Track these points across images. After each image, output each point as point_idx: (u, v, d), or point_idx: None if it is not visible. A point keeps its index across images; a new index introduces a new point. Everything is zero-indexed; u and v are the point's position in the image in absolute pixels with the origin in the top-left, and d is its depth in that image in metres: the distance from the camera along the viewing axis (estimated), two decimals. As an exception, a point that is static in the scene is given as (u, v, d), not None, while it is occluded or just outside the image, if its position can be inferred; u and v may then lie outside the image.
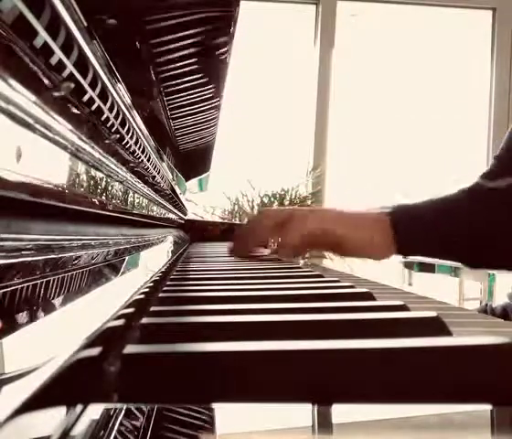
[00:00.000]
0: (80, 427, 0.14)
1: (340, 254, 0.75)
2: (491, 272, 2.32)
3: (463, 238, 0.66)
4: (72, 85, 0.29)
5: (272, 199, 2.60)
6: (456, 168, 2.85)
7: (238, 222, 2.31)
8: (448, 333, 0.23)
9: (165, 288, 0.38)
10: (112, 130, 0.40)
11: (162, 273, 0.45)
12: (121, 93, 0.39)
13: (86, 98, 0.32)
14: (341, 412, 0.17)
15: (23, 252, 0.26)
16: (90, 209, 0.38)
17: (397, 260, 2.79)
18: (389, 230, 0.66)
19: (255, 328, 0.23)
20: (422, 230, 0.67)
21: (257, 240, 0.76)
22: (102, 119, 0.37)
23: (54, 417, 0.13)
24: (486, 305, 1.04)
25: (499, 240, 0.66)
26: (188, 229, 1.48)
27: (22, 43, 0.21)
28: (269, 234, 0.76)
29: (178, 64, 0.58)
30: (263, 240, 0.77)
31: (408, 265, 2.74)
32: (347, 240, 0.67)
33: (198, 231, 1.47)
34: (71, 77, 0.28)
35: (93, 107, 0.34)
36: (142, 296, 0.30)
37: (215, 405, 0.17)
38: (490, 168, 1.01)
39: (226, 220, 2.52)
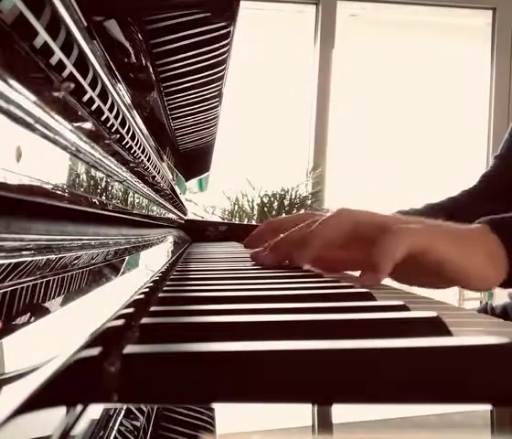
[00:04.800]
0: (80, 427, 0.14)
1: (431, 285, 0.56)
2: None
3: None
4: (72, 85, 0.29)
5: (272, 199, 2.60)
6: (456, 168, 2.85)
7: (241, 223, 2.31)
8: (448, 333, 0.23)
9: (165, 288, 0.38)
10: (112, 130, 0.40)
11: (162, 273, 0.45)
12: (121, 93, 0.39)
13: (86, 98, 0.32)
14: (341, 412, 0.17)
15: (23, 252, 0.26)
16: (90, 209, 0.38)
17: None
18: (498, 247, 0.48)
19: (255, 328, 0.23)
20: None
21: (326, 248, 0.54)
22: (102, 119, 0.37)
23: (54, 417, 0.13)
24: (487, 304, 1.04)
25: None
26: (188, 229, 1.48)
27: (22, 43, 0.21)
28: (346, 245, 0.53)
29: (178, 64, 0.58)
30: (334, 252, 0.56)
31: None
32: (461, 272, 0.48)
33: (198, 231, 1.47)
34: (71, 77, 0.28)
35: (93, 107, 0.34)
36: (142, 296, 0.30)
37: (215, 405, 0.17)
38: (491, 168, 1.01)
39: (226, 220, 2.52)
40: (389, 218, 0.53)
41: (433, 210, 0.88)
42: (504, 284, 0.50)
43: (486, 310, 0.99)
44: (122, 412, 0.16)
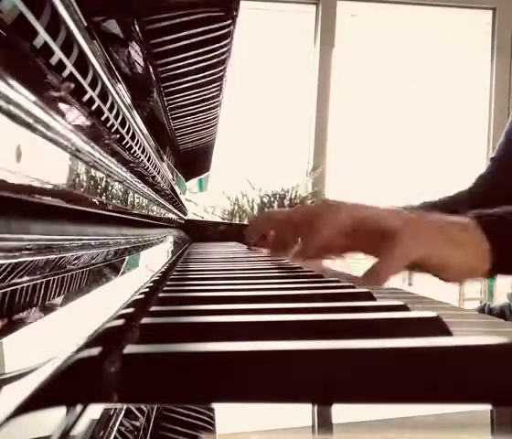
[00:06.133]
0: (80, 427, 0.14)
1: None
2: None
3: None
4: (72, 85, 0.29)
5: (272, 199, 2.60)
6: (456, 168, 2.85)
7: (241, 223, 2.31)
8: (448, 333, 0.23)
9: (165, 288, 0.38)
10: (112, 130, 0.40)
11: (162, 273, 0.45)
12: (121, 93, 0.39)
13: (86, 98, 0.32)
14: (341, 412, 0.17)
15: (23, 252, 0.26)
16: (90, 209, 0.38)
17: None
18: (484, 242, 0.52)
19: (255, 328, 0.23)
20: None
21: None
22: (102, 119, 0.37)
23: (54, 417, 0.13)
24: (485, 305, 1.04)
25: None
26: (188, 229, 1.48)
27: (22, 43, 0.21)
28: (292, 234, 0.67)
29: (178, 64, 0.58)
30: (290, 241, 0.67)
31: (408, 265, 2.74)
32: (448, 263, 0.52)
33: (198, 231, 1.47)
34: (71, 77, 0.28)
35: (93, 107, 0.34)
36: (142, 296, 0.30)
37: (215, 405, 0.17)
38: (486, 169, 1.02)
39: (226, 220, 2.52)
40: (391, 212, 0.56)
41: (430, 209, 0.90)
42: (487, 274, 0.54)
43: (484, 311, 0.99)
44: (122, 412, 0.16)
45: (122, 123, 0.42)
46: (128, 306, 0.26)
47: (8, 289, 0.21)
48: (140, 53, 0.49)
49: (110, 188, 0.44)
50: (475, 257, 0.52)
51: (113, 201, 0.46)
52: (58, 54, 0.25)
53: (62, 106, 0.28)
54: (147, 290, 0.33)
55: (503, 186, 0.95)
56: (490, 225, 0.53)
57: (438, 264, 0.51)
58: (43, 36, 0.23)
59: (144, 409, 0.17)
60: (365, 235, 0.55)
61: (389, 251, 0.50)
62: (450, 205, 0.94)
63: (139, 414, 0.17)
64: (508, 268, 0.54)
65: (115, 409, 0.16)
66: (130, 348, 0.19)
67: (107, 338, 0.20)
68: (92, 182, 0.37)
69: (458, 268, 0.52)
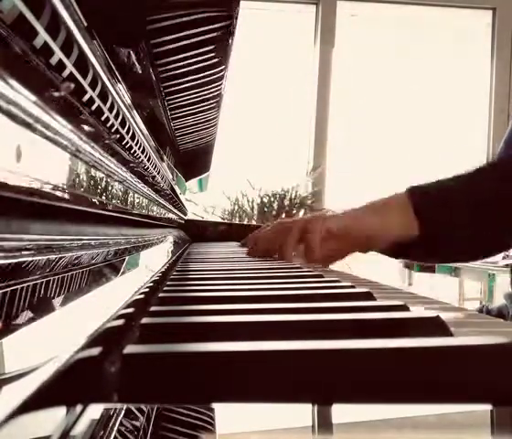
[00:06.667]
0: (80, 427, 0.14)
1: (365, 249, 0.72)
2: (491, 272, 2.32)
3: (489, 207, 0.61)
4: (72, 85, 0.29)
5: (272, 199, 2.60)
6: (456, 168, 2.85)
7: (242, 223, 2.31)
8: (448, 333, 0.23)
9: (165, 288, 0.38)
10: (112, 130, 0.40)
11: (162, 273, 0.45)
12: (121, 93, 0.39)
13: (86, 98, 0.32)
14: (341, 412, 0.17)
15: (23, 252, 0.26)
16: (90, 209, 0.38)
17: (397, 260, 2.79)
18: (409, 207, 0.63)
19: (255, 328, 0.23)
20: (444, 199, 0.63)
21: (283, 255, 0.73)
22: (102, 119, 0.37)
23: (54, 417, 0.13)
24: (483, 306, 1.05)
25: None
26: (188, 229, 1.48)
27: (22, 43, 0.21)
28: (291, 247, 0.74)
29: (178, 64, 0.58)
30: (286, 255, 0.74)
31: (408, 265, 2.75)
32: (370, 230, 0.64)
33: (198, 231, 1.47)
34: (71, 77, 0.28)
35: (93, 107, 0.34)
36: (142, 296, 0.30)
37: (215, 405, 0.17)
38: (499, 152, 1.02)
39: (226, 220, 2.52)
40: (312, 216, 0.78)
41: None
42: (418, 243, 0.63)
43: (482, 312, 0.99)
44: (122, 412, 0.16)
45: (122, 123, 0.42)
46: (128, 306, 0.26)
47: (8, 289, 0.21)
48: (140, 53, 0.49)
49: (110, 188, 0.44)
50: (399, 224, 0.62)
51: (113, 201, 0.46)
52: (58, 54, 0.25)
53: (62, 106, 0.28)
54: (147, 290, 0.33)
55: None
56: (416, 194, 0.63)
57: (358, 231, 0.63)
58: (43, 36, 0.23)
59: (144, 409, 0.17)
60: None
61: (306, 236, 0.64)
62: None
63: (139, 414, 0.17)
64: (433, 225, 0.62)
65: (115, 409, 0.16)
66: (130, 348, 0.19)
67: (107, 338, 0.20)
68: (92, 182, 0.37)
69: (379, 233, 0.63)
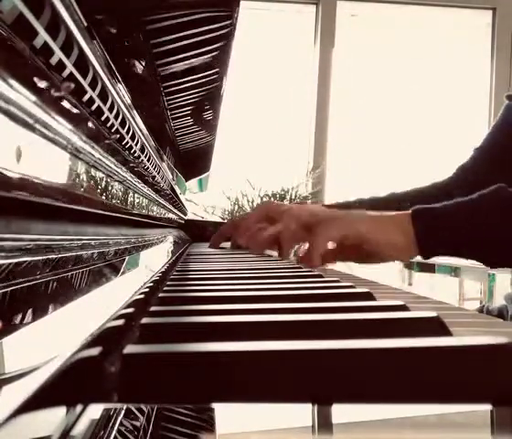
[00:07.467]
0: (80, 427, 0.14)
1: (365, 260, 0.73)
2: (491, 272, 2.32)
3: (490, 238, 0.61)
4: (72, 85, 0.29)
5: (272, 199, 2.60)
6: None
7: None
8: (448, 333, 0.23)
9: (165, 288, 0.38)
10: (112, 130, 0.40)
11: (162, 273, 0.45)
12: (121, 93, 0.39)
13: (86, 98, 0.32)
14: (341, 412, 0.17)
15: (23, 252, 0.26)
16: (90, 209, 0.38)
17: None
18: (410, 229, 0.63)
19: (255, 328, 0.23)
20: (445, 226, 0.63)
21: (286, 243, 0.73)
22: (102, 119, 0.37)
23: (54, 417, 0.13)
24: (483, 306, 1.05)
25: None
26: (188, 229, 1.48)
27: (22, 43, 0.21)
28: (295, 239, 0.73)
29: (178, 64, 0.58)
30: (289, 244, 0.74)
31: (408, 265, 2.75)
32: (376, 244, 0.64)
33: (198, 231, 1.47)
34: (71, 77, 0.28)
35: (93, 107, 0.34)
36: (142, 296, 0.30)
37: (215, 405, 0.17)
38: (468, 160, 1.03)
39: (226, 220, 2.51)
40: (321, 211, 0.75)
41: (397, 199, 1.00)
42: (422, 256, 0.65)
43: (483, 312, 0.99)
44: (122, 412, 0.16)
45: (122, 123, 0.42)
46: (128, 306, 0.26)
47: (8, 289, 0.21)
48: (140, 53, 0.49)
49: (110, 188, 0.44)
50: (401, 240, 0.63)
51: (113, 201, 0.46)
52: (58, 54, 0.25)
53: (62, 106, 0.28)
54: (147, 290, 0.33)
55: (485, 173, 0.96)
56: (418, 215, 0.64)
57: (363, 240, 0.64)
58: (43, 36, 0.23)
59: (144, 409, 0.17)
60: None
61: (315, 232, 0.64)
62: (417, 197, 1.00)
63: (139, 414, 0.17)
64: (431, 250, 0.64)
65: (115, 409, 0.16)
66: (130, 348, 0.19)
67: (107, 338, 0.20)
68: (92, 182, 0.37)
69: (381, 247, 0.64)
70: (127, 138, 0.46)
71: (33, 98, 0.23)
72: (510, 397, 0.17)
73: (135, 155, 0.53)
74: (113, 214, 0.48)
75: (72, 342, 0.18)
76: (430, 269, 2.59)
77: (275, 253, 0.80)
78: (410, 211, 0.64)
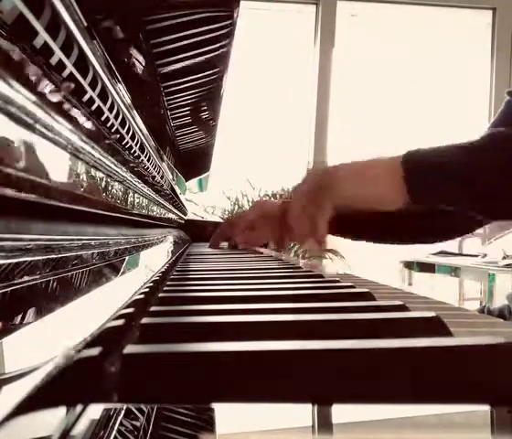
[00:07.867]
0: (80, 427, 0.14)
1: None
2: (491, 272, 2.32)
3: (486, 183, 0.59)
4: (72, 85, 0.29)
5: (272, 199, 2.60)
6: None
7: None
8: (448, 333, 0.23)
9: (165, 288, 0.38)
10: (112, 130, 0.40)
11: (162, 273, 0.45)
12: (121, 93, 0.39)
13: (86, 98, 0.32)
14: (341, 412, 0.17)
15: (23, 252, 0.26)
16: (90, 209, 0.38)
17: (397, 260, 2.80)
18: (401, 179, 0.61)
19: (255, 328, 0.23)
20: (436, 172, 0.61)
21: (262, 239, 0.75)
22: (102, 119, 0.37)
23: (54, 417, 0.13)
24: (484, 306, 1.05)
25: None
26: (188, 229, 1.48)
27: (22, 43, 0.21)
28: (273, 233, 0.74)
29: (178, 64, 0.58)
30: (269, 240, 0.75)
31: (408, 265, 2.75)
32: (358, 200, 0.63)
33: (198, 231, 1.47)
34: (71, 77, 0.28)
35: (93, 107, 0.34)
36: (142, 296, 0.30)
37: (215, 405, 0.17)
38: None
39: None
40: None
41: None
42: (412, 204, 0.61)
43: (483, 312, 0.99)
44: (122, 412, 0.16)
45: (122, 123, 0.42)
46: (128, 306, 0.26)
47: (8, 289, 0.21)
48: (140, 53, 0.49)
49: (110, 188, 0.44)
50: (388, 189, 0.62)
51: (113, 201, 0.46)
52: (58, 54, 0.25)
53: (62, 106, 0.28)
54: (147, 290, 0.33)
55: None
56: (408, 160, 0.62)
57: (349, 201, 0.62)
58: (43, 36, 0.23)
59: (144, 409, 0.17)
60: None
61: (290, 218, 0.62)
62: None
63: (139, 414, 0.17)
64: (421, 198, 0.61)
65: (115, 409, 0.16)
66: (130, 348, 0.19)
67: (107, 338, 0.20)
68: (92, 182, 0.37)
69: (369, 199, 0.63)
70: (127, 138, 0.46)
71: (33, 98, 0.23)
72: (510, 397, 0.17)
73: (135, 155, 0.53)
74: (113, 214, 0.48)
75: (72, 342, 0.18)
76: (430, 269, 2.59)
77: (273, 253, 0.80)
78: (399, 155, 0.64)
